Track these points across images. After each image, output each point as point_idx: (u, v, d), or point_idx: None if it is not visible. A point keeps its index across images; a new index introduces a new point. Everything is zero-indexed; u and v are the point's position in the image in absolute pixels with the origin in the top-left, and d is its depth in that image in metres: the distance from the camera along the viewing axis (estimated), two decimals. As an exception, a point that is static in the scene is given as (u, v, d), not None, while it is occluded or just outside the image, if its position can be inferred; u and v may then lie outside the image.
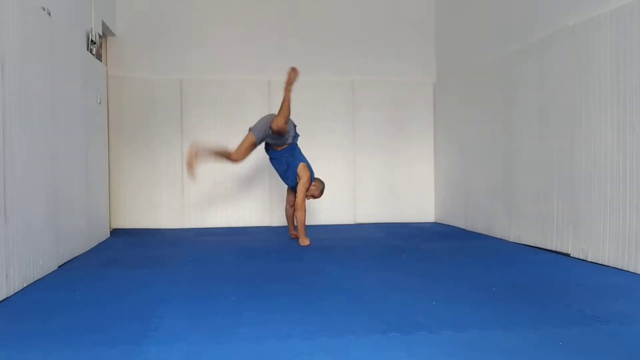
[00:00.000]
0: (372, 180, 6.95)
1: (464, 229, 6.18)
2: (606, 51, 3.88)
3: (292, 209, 5.32)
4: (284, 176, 5.21)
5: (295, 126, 5.17)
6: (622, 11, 3.73)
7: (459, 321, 2.53)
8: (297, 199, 5.02)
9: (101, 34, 5.52)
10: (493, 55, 5.56)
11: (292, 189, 5.30)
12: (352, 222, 6.85)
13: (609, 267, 3.83)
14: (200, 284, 3.41)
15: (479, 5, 5.95)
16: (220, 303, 2.86)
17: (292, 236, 5.45)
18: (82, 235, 4.66)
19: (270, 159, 5.22)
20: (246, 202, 6.66)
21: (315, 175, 5.36)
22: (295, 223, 5.29)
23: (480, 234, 5.77)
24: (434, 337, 2.26)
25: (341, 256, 4.38)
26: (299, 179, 5.08)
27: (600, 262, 3.94)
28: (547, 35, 4.60)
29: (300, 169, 5.09)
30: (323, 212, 6.70)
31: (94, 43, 5.15)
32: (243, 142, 4.96)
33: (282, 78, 6.87)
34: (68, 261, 4.21)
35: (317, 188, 5.21)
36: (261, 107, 6.55)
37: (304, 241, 4.99)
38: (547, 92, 4.60)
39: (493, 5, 5.63)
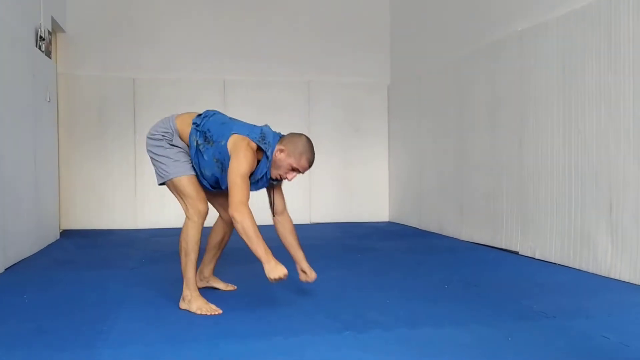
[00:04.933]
0: (328, 180, 6.99)
1: (417, 228, 6.28)
2: (552, 55, 4.02)
3: (287, 224, 2.99)
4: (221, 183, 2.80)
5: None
6: (567, 18, 3.87)
7: (413, 318, 2.58)
8: (230, 197, 2.56)
9: (50, 30, 5.37)
10: (445, 58, 5.68)
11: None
12: (308, 222, 6.87)
13: (556, 264, 3.96)
14: (154, 285, 3.36)
15: (432, 10, 6.07)
16: (175, 304, 2.83)
17: (301, 278, 2.94)
18: (31, 237, 4.53)
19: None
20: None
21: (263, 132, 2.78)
22: (242, 238, 2.55)
23: (433, 232, 5.88)
24: (388, 335, 2.30)
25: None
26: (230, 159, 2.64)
27: (547, 260, 4.08)
28: (497, 40, 4.73)
29: (229, 142, 2.67)
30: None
31: (43, 39, 5.01)
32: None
33: (238, 77, 6.84)
34: (15, 263, 4.08)
35: (292, 153, 2.69)
36: (217, 106, 6.49)
37: (274, 269, 2.47)
38: (497, 94, 4.73)
39: (445, 10, 5.75)
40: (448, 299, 2.99)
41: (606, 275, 3.50)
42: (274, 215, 2.98)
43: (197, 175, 2.82)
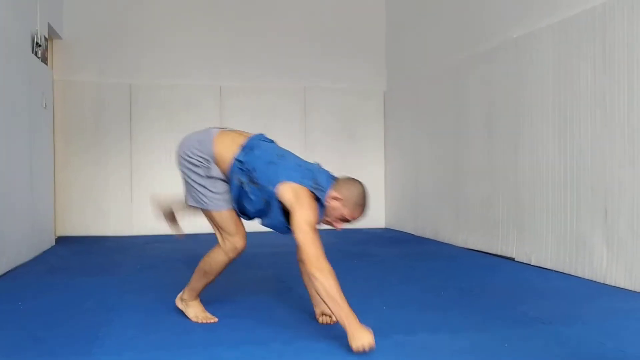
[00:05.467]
0: (324, 186, 6.97)
1: (413, 234, 6.28)
2: (547, 62, 4.04)
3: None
4: (268, 222, 2.58)
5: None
6: (562, 25, 3.89)
7: (409, 325, 2.58)
8: (303, 252, 2.33)
9: (47, 36, 5.38)
10: (441, 64, 5.70)
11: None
12: (304, 228, 6.86)
13: (552, 270, 3.97)
14: (149, 292, 3.35)
15: (427, 16, 6.09)
16: (170, 311, 2.83)
17: (323, 319, 2.65)
18: (26, 243, 4.51)
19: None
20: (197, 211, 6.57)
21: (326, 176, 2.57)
22: (323, 301, 2.30)
23: (429, 239, 5.88)
24: (384, 342, 2.29)
25: (294, 262, 4.37)
26: (291, 210, 2.38)
27: (543, 266, 4.08)
28: (493, 47, 4.75)
29: (284, 191, 2.40)
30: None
31: (39, 46, 5.01)
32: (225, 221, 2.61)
33: (234, 84, 6.85)
34: (10, 270, 4.06)
35: (347, 203, 2.46)
36: (213, 112, 6.52)
37: (359, 336, 2.14)
38: (493, 100, 4.74)
39: (441, 17, 5.77)
40: (444, 305, 2.99)
41: (602, 282, 3.51)
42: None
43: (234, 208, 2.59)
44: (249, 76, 6.78)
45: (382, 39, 7.25)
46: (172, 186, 6.45)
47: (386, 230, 6.92)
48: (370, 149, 7.18)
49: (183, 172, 2.63)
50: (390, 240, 5.96)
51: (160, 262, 4.51)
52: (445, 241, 5.57)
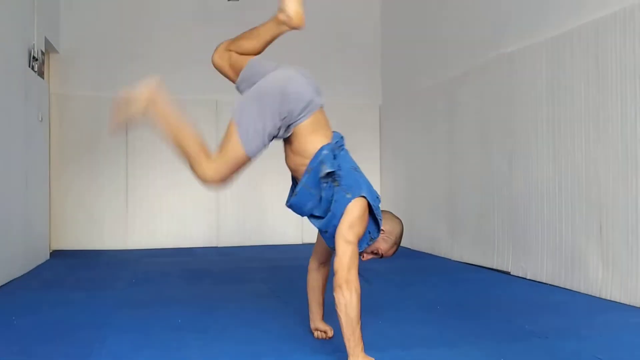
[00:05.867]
0: (320, 200, 6.98)
1: (409, 248, 6.27)
2: (541, 77, 4.07)
3: (322, 275, 2.68)
4: (316, 217, 2.44)
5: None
6: (555, 41, 3.93)
7: (405, 340, 2.57)
8: (338, 261, 2.19)
9: (44, 50, 5.39)
10: (436, 79, 5.73)
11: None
12: (300, 242, 6.85)
13: (547, 284, 3.97)
14: (144, 306, 3.33)
15: (422, 31, 6.14)
16: (165, 326, 2.81)
17: (318, 334, 2.63)
18: (20, 258, 4.49)
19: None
20: (193, 225, 6.57)
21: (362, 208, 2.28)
22: (338, 315, 2.16)
23: (424, 253, 5.88)
24: (381, 356, 2.28)
25: (289, 276, 4.37)
26: (346, 218, 2.22)
27: (538, 280, 4.08)
28: (486, 62, 4.79)
29: (358, 204, 2.22)
30: (270, 231, 6.69)
31: (36, 60, 5.02)
32: (229, 149, 2.28)
33: (231, 98, 6.87)
34: (4, 284, 4.03)
35: (388, 239, 2.43)
36: (209, 126, 6.51)
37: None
38: (488, 115, 4.77)
39: (435, 32, 5.82)
40: (440, 320, 2.98)
41: (597, 296, 3.51)
42: (316, 264, 2.65)
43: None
44: (245, 90, 6.79)
45: (378, 54, 7.29)
46: (168, 201, 6.47)
47: (382, 244, 6.90)
48: (366, 162, 7.13)
49: (258, 93, 2.29)
50: (386, 254, 5.94)
51: (155, 276, 4.49)
52: (441, 255, 5.56)
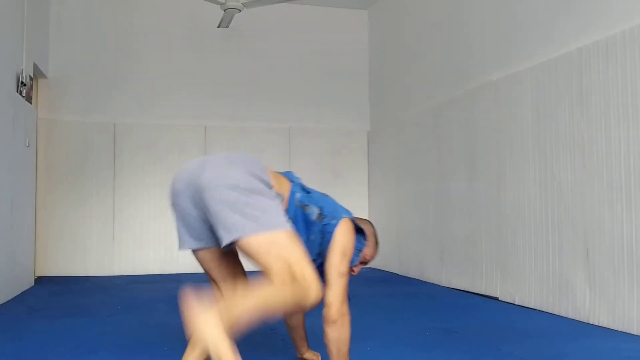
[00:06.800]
0: (308, 225, 6.97)
1: (397, 274, 6.27)
2: (527, 104, 4.14)
3: (301, 313, 2.52)
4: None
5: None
6: (540, 68, 4.00)
7: (393, 366, 2.56)
8: (332, 294, 2.14)
9: (32, 75, 5.40)
10: (423, 106, 5.80)
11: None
12: (288, 268, 6.82)
13: (535, 309, 3.97)
14: (130, 333, 3.29)
15: (409, 58, 6.23)
16: (152, 353, 2.78)
17: None
18: (4, 284, 4.42)
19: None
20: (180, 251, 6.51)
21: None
22: (328, 347, 2.16)
23: (413, 278, 5.87)
24: (369, 383, 2.27)
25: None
26: (336, 248, 2.16)
27: (526, 306, 4.09)
28: (473, 88, 4.86)
29: (345, 229, 2.19)
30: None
31: (24, 85, 5.03)
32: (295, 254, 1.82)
33: (219, 123, 6.92)
34: (-13, 311, 3.98)
35: (369, 243, 2.43)
36: (197, 152, 6.52)
37: None
38: (475, 141, 4.82)
39: (423, 59, 5.90)
40: (429, 346, 2.97)
41: (585, 321, 3.52)
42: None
43: None
44: (234, 116, 6.83)
45: (366, 81, 7.38)
46: (155, 227, 6.43)
47: (370, 269, 6.89)
48: (354, 188, 7.22)
49: (226, 199, 1.82)
50: (375, 280, 5.93)
51: (141, 303, 4.44)
52: (430, 281, 5.56)
